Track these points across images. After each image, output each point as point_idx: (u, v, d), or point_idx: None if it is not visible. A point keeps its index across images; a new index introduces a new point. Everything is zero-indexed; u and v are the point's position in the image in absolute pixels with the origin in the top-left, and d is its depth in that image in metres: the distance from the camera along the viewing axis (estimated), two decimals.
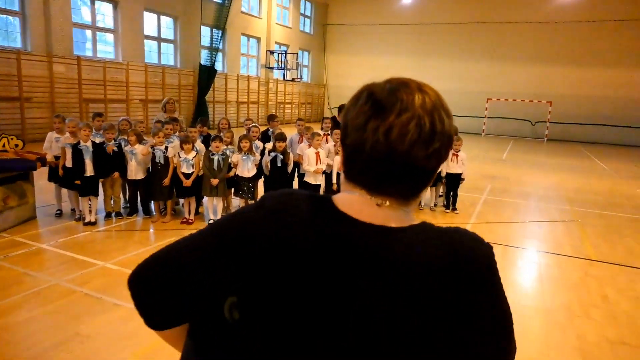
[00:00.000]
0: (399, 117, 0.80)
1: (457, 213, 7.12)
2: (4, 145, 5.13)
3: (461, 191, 7.45)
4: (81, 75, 13.84)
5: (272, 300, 0.79)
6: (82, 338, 3.16)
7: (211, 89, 19.07)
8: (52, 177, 5.87)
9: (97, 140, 5.71)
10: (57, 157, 5.76)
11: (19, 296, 3.73)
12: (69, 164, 5.54)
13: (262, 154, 6.23)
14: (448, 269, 0.79)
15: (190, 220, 5.91)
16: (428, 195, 7.48)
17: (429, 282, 0.77)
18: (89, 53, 14.67)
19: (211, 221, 5.80)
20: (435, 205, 7.38)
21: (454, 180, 7.09)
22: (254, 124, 6.70)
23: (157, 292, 0.89)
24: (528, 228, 6.65)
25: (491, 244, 0.86)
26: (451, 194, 7.21)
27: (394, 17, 26.90)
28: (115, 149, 5.71)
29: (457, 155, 7.03)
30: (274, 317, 0.79)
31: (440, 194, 7.65)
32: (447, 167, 7.04)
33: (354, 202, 0.85)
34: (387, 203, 0.84)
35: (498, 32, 24.69)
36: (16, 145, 5.24)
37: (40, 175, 6.09)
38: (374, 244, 0.80)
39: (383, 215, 0.84)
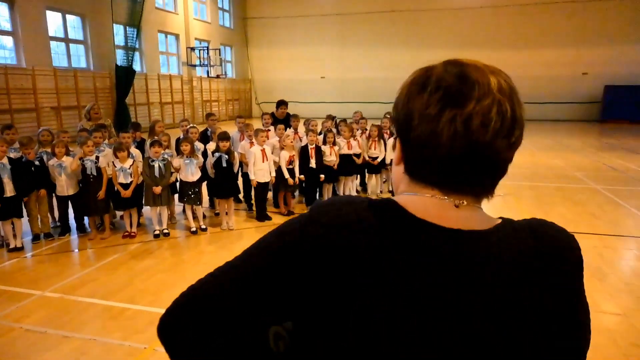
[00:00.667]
0: (479, 103, 0.70)
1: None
2: None
3: None
4: None
5: (358, 323, 0.67)
6: None
7: (131, 90, 17.92)
8: None
9: (13, 155, 5.08)
10: None
11: None
12: None
13: (204, 155, 5.92)
14: (536, 262, 0.72)
15: (133, 234, 5.47)
16: (374, 182, 7.57)
17: (524, 282, 0.70)
18: None
19: (156, 232, 5.44)
20: (380, 192, 7.49)
21: None
22: (191, 125, 6.33)
23: (199, 339, 0.73)
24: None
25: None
26: None
27: (314, 7, 26.95)
28: (37, 162, 5.11)
29: None
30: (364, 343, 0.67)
31: (385, 179, 7.78)
32: (390, 152, 7.15)
33: (428, 206, 0.74)
34: (465, 203, 0.75)
35: (414, 19, 25.66)
36: None
37: None
38: (469, 251, 0.70)
39: (465, 218, 0.74)
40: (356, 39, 26.57)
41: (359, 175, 7.59)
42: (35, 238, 5.33)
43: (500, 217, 0.80)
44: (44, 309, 3.71)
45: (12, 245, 5.03)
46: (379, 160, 7.14)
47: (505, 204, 6.95)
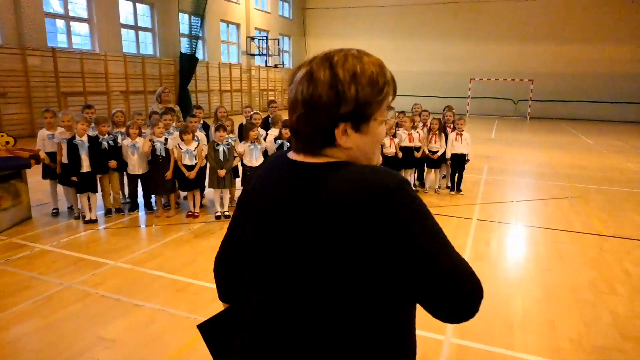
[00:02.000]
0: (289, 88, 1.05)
1: (462, 194, 7.08)
2: None
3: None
4: (57, 68, 13.24)
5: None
6: (107, 343, 2.98)
7: (193, 78, 18.56)
8: (47, 174, 5.55)
9: (91, 133, 5.42)
10: (50, 154, 5.45)
11: (29, 302, 3.50)
12: (64, 159, 5.24)
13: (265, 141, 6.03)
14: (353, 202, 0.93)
15: (196, 214, 5.69)
16: (432, 177, 7.41)
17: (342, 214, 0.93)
18: (63, 44, 14.03)
19: (218, 213, 5.62)
20: (439, 187, 7.32)
21: (459, 161, 7.03)
22: (255, 111, 6.46)
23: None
24: (535, 206, 6.65)
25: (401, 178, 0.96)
26: (456, 175, 7.16)
27: None
28: (111, 142, 5.42)
29: (461, 135, 6.96)
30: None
31: (444, 175, 7.60)
32: (452, 147, 6.97)
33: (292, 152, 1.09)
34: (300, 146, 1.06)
35: (477, 11, 24.72)
36: (7, 143, 4.92)
37: (32, 173, 5.76)
38: (296, 167, 1.03)
39: (302, 157, 1.04)
40: (415, 30, 26.00)
41: (417, 170, 7.46)
42: (108, 212, 5.68)
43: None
44: (117, 278, 3.95)
45: (87, 218, 5.38)
46: (438, 154, 6.98)
47: (572, 207, 6.58)
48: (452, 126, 7.21)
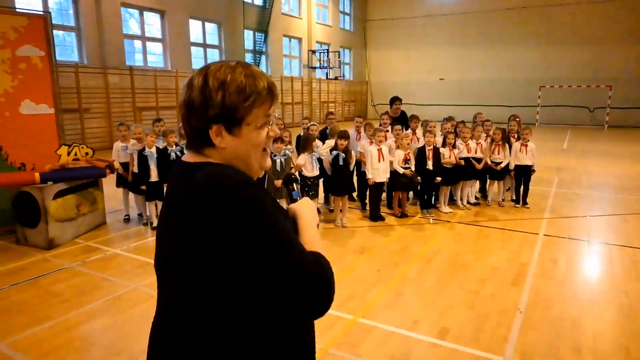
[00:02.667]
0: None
1: (528, 208, 6.70)
2: (75, 154, 5.25)
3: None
4: (134, 85, 14.29)
5: None
6: None
7: None
8: (120, 183, 5.98)
9: (160, 145, 5.77)
10: (123, 164, 5.87)
11: (101, 301, 3.76)
12: (135, 169, 5.62)
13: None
14: (186, 199, 1.04)
15: None
16: (495, 189, 7.10)
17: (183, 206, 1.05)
18: (139, 63, 15.12)
19: None
20: (503, 200, 6.98)
21: (524, 173, 6.68)
22: (312, 123, 6.56)
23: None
24: (612, 222, 6.14)
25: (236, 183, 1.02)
26: (521, 187, 6.80)
27: (436, 7, 26.21)
28: (179, 154, 5.73)
29: (526, 146, 6.62)
30: None
31: (508, 187, 7.25)
32: (516, 158, 6.64)
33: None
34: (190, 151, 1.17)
35: (547, 15, 23.52)
36: (86, 154, 5.36)
37: (107, 182, 6.22)
38: (179, 166, 1.14)
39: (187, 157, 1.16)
40: (480, 38, 25.20)
41: (478, 181, 7.18)
42: None
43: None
44: None
45: (154, 224, 5.71)
46: (502, 165, 6.67)
47: (609, 224, 6.01)
48: (516, 136, 6.87)
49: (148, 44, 15.51)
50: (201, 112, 1.07)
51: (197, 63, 17.28)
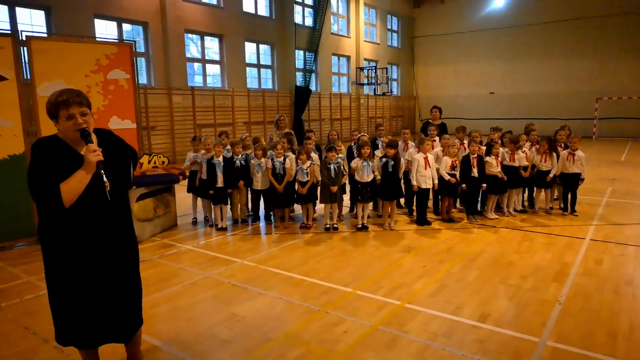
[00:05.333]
0: None
1: (576, 216, 6.77)
2: (154, 163, 6.01)
3: (579, 194, 7.06)
4: (195, 104, 15.43)
5: None
6: (238, 318, 3.64)
7: (306, 108, 20.02)
8: (190, 189, 6.70)
9: (227, 155, 6.43)
10: (192, 172, 6.60)
11: (180, 286, 4.36)
12: (204, 176, 6.30)
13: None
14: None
15: (309, 225, 6.35)
16: (542, 197, 7.21)
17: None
18: (199, 83, 16.30)
19: (327, 225, 6.21)
20: (551, 208, 7.08)
21: (572, 181, 6.77)
22: (362, 134, 7.04)
23: None
24: None
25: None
26: (569, 196, 6.89)
27: (484, 22, 26.13)
28: (243, 162, 6.37)
29: (573, 155, 6.73)
30: None
31: (555, 197, 7.33)
32: (564, 166, 6.76)
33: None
34: None
35: (603, 26, 22.83)
36: (163, 162, 6.11)
37: (177, 189, 6.96)
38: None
39: None
40: (530, 51, 24.81)
41: (527, 189, 7.32)
42: (235, 222, 6.63)
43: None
44: (244, 272, 4.69)
45: (219, 226, 6.35)
46: (551, 175, 6.79)
47: None
48: (563, 145, 6.99)
49: (207, 65, 16.70)
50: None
51: (252, 82, 18.33)
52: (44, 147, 2.33)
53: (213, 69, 17.00)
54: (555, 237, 5.74)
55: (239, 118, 17.25)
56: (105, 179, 2.25)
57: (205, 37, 16.35)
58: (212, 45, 16.82)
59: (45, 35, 11.47)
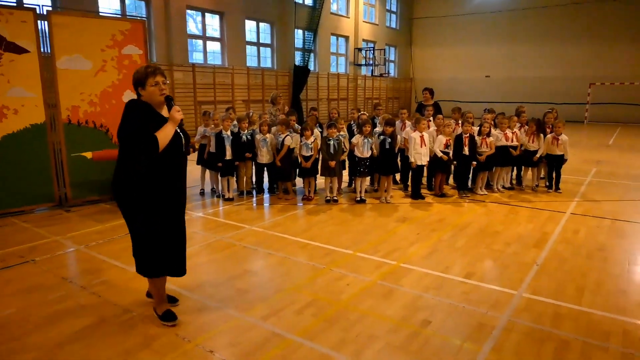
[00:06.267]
0: None
1: (560, 192, 7.25)
2: None
3: (564, 173, 7.55)
4: (195, 81, 15.63)
5: None
6: (251, 274, 4.09)
7: (305, 87, 20.25)
8: (200, 161, 7.07)
9: (235, 129, 6.79)
10: (202, 145, 6.96)
11: (196, 246, 4.79)
12: (213, 149, 6.67)
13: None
14: None
15: (310, 197, 6.78)
16: (529, 176, 7.67)
17: None
18: (199, 60, 16.47)
19: (328, 197, 6.64)
20: (537, 186, 7.55)
21: (556, 161, 7.23)
22: (362, 112, 7.41)
23: None
24: (638, 206, 6.61)
25: None
26: (553, 174, 7.35)
27: (482, 5, 26.26)
28: (249, 137, 6.74)
29: (557, 139, 7.16)
30: None
31: (542, 176, 7.79)
32: (548, 148, 7.20)
33: None
34: None
35: (600, 11, 23.09)
36: None
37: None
38: None
39: None
40: (528, 35, 25.05)
41: (515, 168, 7.78)
42: (241, 193, 7.04)
43: None
44: (253, 237, 5.12)
45: (226, 196, 6.76)
46: (537, 156, 7.23)
47: (636, 208, 6.44)
48: (551, 127, 7.42)
49: (208, 43, 16.84)
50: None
51: (251, 60, 18.50)
52: (138, 107, 2.91)
53: (212, 46, 17.14)
54: (539, 211, 6.23)
55: (238, 96, 17.48)
56: (181, 133, 3.07)
57: (206, 14, 16.45)
58: (212, 23, 16.93)
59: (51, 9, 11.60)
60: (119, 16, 9.89)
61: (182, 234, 3.23)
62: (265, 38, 19.32)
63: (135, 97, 3.02)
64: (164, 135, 2.87)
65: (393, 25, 28.19)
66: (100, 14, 10.20)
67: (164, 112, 3.01)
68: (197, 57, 16.50)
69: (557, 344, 2.92)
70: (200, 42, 16.59)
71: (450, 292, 3.69)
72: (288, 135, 6.79)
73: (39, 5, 6.03)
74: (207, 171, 7.16)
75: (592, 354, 2.82)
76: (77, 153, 5.96)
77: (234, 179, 6.91)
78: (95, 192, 6.53)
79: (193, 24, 16.47)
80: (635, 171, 9.41)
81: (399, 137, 6.83)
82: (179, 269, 3.25)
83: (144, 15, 14.33)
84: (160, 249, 3.09)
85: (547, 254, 4.58)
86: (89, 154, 5.82)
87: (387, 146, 6.56)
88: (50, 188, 6.15)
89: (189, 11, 15.65)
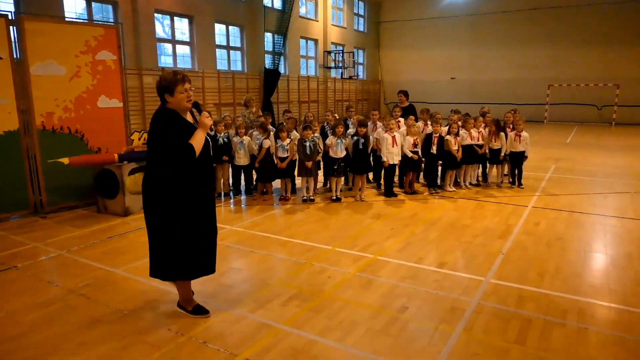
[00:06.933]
0: None
1: (522, 188, 7.71)
2: (144, 139, 6.42)
3: (525, 170, 8.03)
4: None
5: None
6: (235, 271, 4.25)
7: (275, 90, 20.39)
8: None
9: (211, 132, 6.91)
10: None
11: None
12: None
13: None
14: None
15: (287, 197, 6.97)
16: (494, 172, 8.11)
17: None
18: (169, 64, 16.36)
19: (304, 197, 6.85)
20: (501, 182, 8.00)
21: (518, 158, 7.69)
22: (334, 115, 7.66)
23: None
24: (593, 199, 7.13)
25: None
26: (516, 171, 7.81)
27: (447, 9, 27.09)
28: (226, 140, 6.88)
29: (519, 136, 7.63)
30: None
31: (505, 173, 8.24)
32: (511, 145, 7.65)
33: None
34: None
35: (557, 16, 24.24)
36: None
37: None
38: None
39: None
40: (490, 39, 26.02)
41: (481, 165, 8.20)
42: (219, 195, 7.15)
43: None
44: (235, 236, 5.28)
45: None
46: (503, 154, 7.67)
47: (632, 200, 6.98)
48: (511, 126, 7.88)
49: (178, 46, 16.76)
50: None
51: (221, 64, 18.50)
52: (169, 116, 3.00)
53: (182, 50, 17.07)
54: (504, 205, 6.63)
55: (209, 99, 17.45)
56: (208, 138, 3.18)
57: (175, 18, 16.38)
58: (181, 26, 16.86)
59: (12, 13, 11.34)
60: (94, 22, 9.81)
61: (215, 233, 3.41)
62: (235, 41, 19.36)
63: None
64: (198, 142, 2.98)
65: (361, 28, 28.69)
66: (73, 19, 10.08)
67: (188, 117, 3.11)
68: (166, 61, 16.39)
69: (521, 322, 3.23)
70: (169, 45, 16.50)
71: (424, 280, 3.97)
72: (267, 138, 6.96)
73: (10, 12, 5.98)
74: None
75: (552, 330, 3.14)
76: (54, 159, 5.94)
77: None
78: (72, 198, 6.51)
79: (160, 27, 16.37)
80: (591, 167, 10.05)
81: (371, 137, 7.12)
82: (211, 268, 3.39)
83: (111, 19, 14.17)
84: (195, 253, 3.19)
85: (511, 244, 4.94)
86: (65, 160, 5.80)
87: (361, 146, 6.83)
88: (25, 195, 6.11)
89: (157, 15, 15.55)
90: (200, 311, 3.34)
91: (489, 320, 3.27)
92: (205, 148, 3.09)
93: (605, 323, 3.25)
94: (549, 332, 3.10)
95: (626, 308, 3.46)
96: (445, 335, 3.07)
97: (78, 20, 9.94)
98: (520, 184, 7.80)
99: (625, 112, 22.92)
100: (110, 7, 14.16)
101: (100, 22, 8.71)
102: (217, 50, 18.09)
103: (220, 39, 18.42)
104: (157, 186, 3.03)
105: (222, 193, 7.22)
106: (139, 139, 6.42)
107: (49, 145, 6.20)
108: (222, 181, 7.18)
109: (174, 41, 16.52)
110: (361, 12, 28.58)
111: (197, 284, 3.90)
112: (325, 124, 7.88)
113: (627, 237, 5.22)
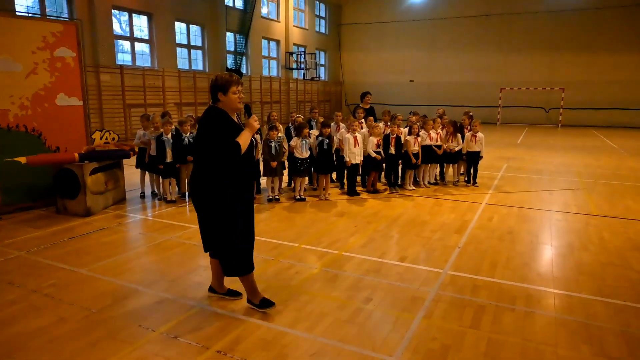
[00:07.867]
0: None
1: (477, 186, 8.14)
2: (106, 139, 6.33)
3: (480, 169, 8.47)
4: (124, 83, 15.16)
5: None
6: (204, 268, 4.30)
7: None
8: (139, 164, 7.06)
9: (174, 132, 6.87)
10: (141, 149, 6.96)
11: (147, 246, 4.91)
12: (153, 152, 6.72)
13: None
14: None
15: (253, 197, 7.03)
16: (451, 172, 8.51)
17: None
18: (128, 62, 15.98)
19: (270, 197, 6.95)
20: (457, 181, 8.40)
21: (474, 158, 8.11)
22: (298, 116, 7.80)
23: None
24: (540, 195, 7.63)
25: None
26: (471, 170, 8.23)
27: (406, 14, 27.84)
28: (191, 140, 6.87)
29: (475, 136, 8.05)
30: None
31: (462, 172, 8.66)
32: (468, 146, 8.06)
33: None
34: None
35: (508, 23, 25.45)
36: (114, 139, 6.44)
37: (125, 164, 7.28)
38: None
39: None
40: (446, 43, 26.97)
41: (439, 165, 8.57)
42: (183, 195, 7.13)
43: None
44: (198, 236, 5.29)
45: (168, 199, 6.83)
46: (457, 150, 8.07)
47: (574, 196, 7.53)
48: (469, 127, 8.30)
49: (137, 44, 16.39)
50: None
51: (182, 63, 18.23)
52: (219, 115, 3.10)
53: (143, 48, 16.70)
54: (460, 202, 7.00)
55: (170, 99, 17.17)
56: (254, 139, 3.30)
57: (134, 15, 16.01)
58: (140, 23, 16.50)
59: None
60: (47, 17, 9.48)
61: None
62: (196, 40, 19.13)
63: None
64: (244, 140, 3.10)
65: (322, 30, 28.99)
66: (29, 14, 9.70)
67: (234, 117, 3.21)
68: (124, 59, 16.00)
69: (476, 309, 3.50)
70: (127, 43, 16.10)
71: (387, 273, 4.18)
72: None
73: None
74: (147, 174, 7.17)
75: (503, 315, 3.42)
76: (10, 158, 5.75)
77: (175, 181, 6.99)
78: (29, 198, 6.32)
79: (123, 25, 15.97)
80: (539, 166, 10.70)
81: (335, 137, 7.31)
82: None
83: (66, 14, 13.69)
84: (248, 247, 3.36)
85: (466, 238, 5.25)
86: (22, 159, 5.63)
87: (325, 147, 7.01)
88: None
89: (114, 11, 15.16)
90: (266, 304, 3.43)
91: (447, 308, 3.51)
92: (250, 150, 3.21)
93: (550, 307, 3.56)
94: (500, 317, 3.37)
95: (568, 293, 3.80)
96: (407, 322, 3.28)
97: (35, 16, 9.58)
98: (475, 183, 8.23)
99: (570, 114, 24.38)
100: (64, 1, 13.68)
101: (53, 17, 8.44)
102: (177, 48, 17.82)
103: (180, 38, 18.15)
104: (208, 188, 3.16)
105: (187, 193, 7.20)
106: (101, 138, 6.31)
107: (3, 143, 5.99)
108: (186, 181, 7.15)
109: (132, 38, 16.15)
110: (322, 14, 28.89)
111: (166, 282, 3.95)
112: (290, 124, 8.00)
113: (569, 229, 5.66)
